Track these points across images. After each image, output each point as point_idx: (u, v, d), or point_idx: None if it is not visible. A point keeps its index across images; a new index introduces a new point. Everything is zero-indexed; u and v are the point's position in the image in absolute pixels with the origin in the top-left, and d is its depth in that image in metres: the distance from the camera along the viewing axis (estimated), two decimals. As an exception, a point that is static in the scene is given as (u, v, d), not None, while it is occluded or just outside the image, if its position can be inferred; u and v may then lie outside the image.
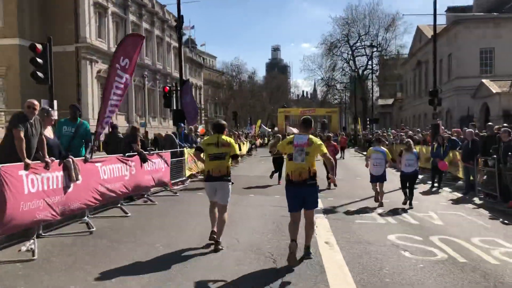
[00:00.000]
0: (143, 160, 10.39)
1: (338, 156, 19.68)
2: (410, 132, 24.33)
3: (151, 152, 11.70)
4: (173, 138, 14.78)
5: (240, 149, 25.22)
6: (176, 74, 64.05)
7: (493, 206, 11.03)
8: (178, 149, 14.55)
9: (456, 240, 7.49)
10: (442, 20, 51.46)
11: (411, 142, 11.90)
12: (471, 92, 35.73)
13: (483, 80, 31.96)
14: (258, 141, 44.77)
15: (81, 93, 42.11)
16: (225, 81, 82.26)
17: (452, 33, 38.36)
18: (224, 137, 6.99)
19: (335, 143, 16.97)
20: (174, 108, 20.71)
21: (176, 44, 65.73)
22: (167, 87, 20.41)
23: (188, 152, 15.23)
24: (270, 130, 63.99)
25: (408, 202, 11.02)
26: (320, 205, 10.39)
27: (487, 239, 7.66)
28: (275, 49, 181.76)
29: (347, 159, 27.53)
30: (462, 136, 16.54)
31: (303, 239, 6.51)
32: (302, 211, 6.37)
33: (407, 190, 11.09)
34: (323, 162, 8.71)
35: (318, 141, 6.31)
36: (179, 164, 14.29)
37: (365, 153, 17.20)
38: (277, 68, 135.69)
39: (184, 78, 49.84)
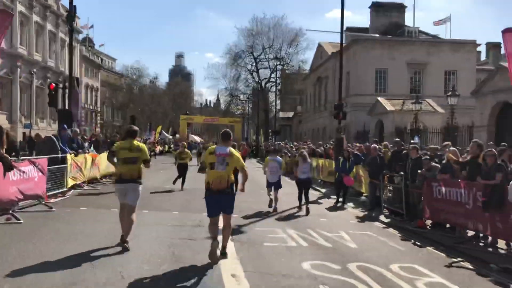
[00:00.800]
0: (7, 168, 8.25)
1: None
2: (311, 145, 24.10)
3: (21, 158, 9.55)
4: (53, 142, 12.54)
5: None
6: (70, 73, 59.46)
7: (401, 225, 10.57)
8: (60, 155, 12.37)
9: (376, 268, 6.63)
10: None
11: (306, 154, 13.04)
12: (367, 109, 37.02)
13: (379, 98, 33.24)
14: (158, 148, 42.43)
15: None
16: (125, 84, 78.12)
17: (351, 51, 39.68)
18: (136, 142, 7.35)
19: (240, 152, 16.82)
20: (61, 107, 18.19)
21: (73, 42, 61.38)
22: (53, 84, 17.80)
23: (72, 158, 13.10)
24: (171, 137, 61.70)
25: (305, 207, 11.91)
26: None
27: (406, 265, 6.91)
28: (179, 56, 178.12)
29: (250, 171, 26.55)
30: (365, 151, 16.39)
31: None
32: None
33: (303, 196, 12.20)
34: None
35: (237, 153, 7.00)
36: (60, 172, 12.12)
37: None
38: (181, 75, 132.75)
39: (76, 76, 45.46)
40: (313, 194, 16.60)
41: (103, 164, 16.58)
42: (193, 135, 69.11)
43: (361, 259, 7.21)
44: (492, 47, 48.57)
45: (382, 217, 11.71)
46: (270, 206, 12.16)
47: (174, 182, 16.03)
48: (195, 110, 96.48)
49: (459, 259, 7.48)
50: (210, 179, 6.67)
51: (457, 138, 22.44)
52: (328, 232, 9.26)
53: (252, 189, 16.16)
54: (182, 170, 16.11)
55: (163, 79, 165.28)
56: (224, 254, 6.80)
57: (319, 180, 20.32)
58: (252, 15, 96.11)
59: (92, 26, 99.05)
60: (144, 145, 7.92)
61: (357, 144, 18.06)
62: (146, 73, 79.74)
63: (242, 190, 7.19)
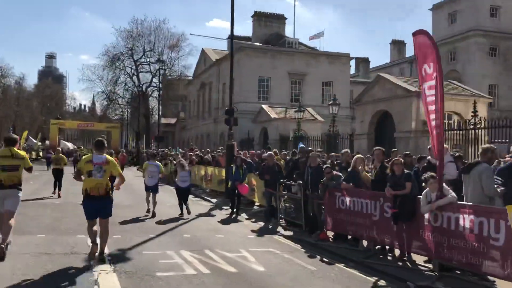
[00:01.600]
0: None
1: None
2: (198, 152, 22.85)
3: None
4: None
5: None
6: None
7: (301, 238, 9.82)
8: None
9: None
10: (223, 47, 53.28)
11: (184, 162, 13.53)
12: (251, 117, 36.88)
13: (263, 106, 33.22)
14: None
15: None
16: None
17: (235, 59, 39.15)
18: (16, 150, 7.44)
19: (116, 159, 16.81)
20: None
21: None
22: None
23: None
24: (40, 143, 55.58)
25: (185, 210, 12.42)
26: (105, 249, 7.49)
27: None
28: (50, 57, 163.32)
29: (132, 180, 24.25)
30: (256, 159, 15.63)
31: None
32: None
33: (182, 202, 12.53)
34: None
35: (113, 161, 7.41)
36: None
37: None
38: (52, 78, 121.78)
39: None
40: (203, 206, 15.41)
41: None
42: (65, 142, 63.38)
43: (273, 286, 6.16)
44: (362, 61, 52.19)
45: (280, 230, 10.91)
46: (148, 212, 12.38)
47: (54, 192, 15.82)
48: (68, 115, 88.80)
49: (375, 278, 6.83)
50: (88, 186, 7.03)
51: (338, 145, 22.96)
52: (228, 252, 8.10)
53: (135, 201, 14.51)
54: (58, 175, 15.91)
55: (32, 80, 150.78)
56: (102, 260, 7.03)
57: (207, 190, 19.15)
58: (132, 16, 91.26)
59: None
60: (25, 152, 8.13)
61: (250, 152, 17.22)
62: (11, 73, 71.11)
63: (118, 188, 7.72)
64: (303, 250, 8.83)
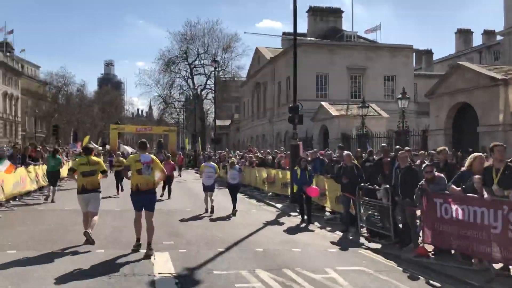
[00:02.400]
0: None
1: (176, 174, 21.92)
2: (259, 153, 21.64)
3: None
4: None
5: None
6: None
7: (393, 252, 8.32)
8: None
9: None
10: (277, 44, 52.05)
11: (234, 161, 14.58)
12: (309, 115, 35.31)
13: (323, 103, 31.60)
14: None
15: None
16: (49, 92, 71.61)
17: (291, 56, 37.84)
18: (92, 157, 8.53)
19: (173, 162, 18.85)
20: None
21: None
22: None
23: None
24: (101, 148, 56.75)
25: (233, 209, 12.79)
26: (171, 269, 6.44)
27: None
28: (108, 64, 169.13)
29: (191, 184, 23.56)
30: (325, 160, 14.17)
31: None
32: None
33: (233, 198, 13.04)
34: None
35: (156, 159, 8.23)
36: None
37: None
38: (111, 84, 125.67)
39: None
40: (268, 211, 14.17)
41: (10, 183, 13.09)
42: (125, 146, 64.49)
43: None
44: (424, 53, 49.19)
45: (363, 241, 9.45)
46: (206, 210, 12.87)
47: (117, 193, 16.65)
48: (126, 120, 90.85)
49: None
50: (138, 182, 7.74)
51: (408, 143, 21.03)
52: (313, 272, 6.76)
53: (195, 206, 13.55)
54: (119, 178, 16.51)
55: (92, 87, 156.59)
56: (148, 256, 7.38)
57: (270, 194, 17.91)
58: (186, 19, 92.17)
59: (12, 32, 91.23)
60: (99, 159, 9.04)
61: (319, 152, 15.73)
62: (73, 81, 73.68)
63: (157, 185, 8.22)
64: (400, 268, 7.34)
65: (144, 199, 7.80)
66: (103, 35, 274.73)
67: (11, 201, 13.46)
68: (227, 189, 13.89)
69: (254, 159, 20.16)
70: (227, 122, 66.41)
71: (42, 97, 70.83)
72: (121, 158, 17.50)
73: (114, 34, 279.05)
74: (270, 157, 19.64)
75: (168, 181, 15.81)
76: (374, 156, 11.75)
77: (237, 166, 13.87)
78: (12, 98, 62.19)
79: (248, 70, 52.98)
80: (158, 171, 8.02)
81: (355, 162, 11.09)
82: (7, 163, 11.95)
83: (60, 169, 15.59)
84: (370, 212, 9.99)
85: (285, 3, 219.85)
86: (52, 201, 14.30)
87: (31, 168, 15.37)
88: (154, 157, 8.25)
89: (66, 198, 15.62)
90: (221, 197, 15.03)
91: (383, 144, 11.11)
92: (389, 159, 9.77)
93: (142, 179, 7.73)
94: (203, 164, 14.21)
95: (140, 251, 7.72)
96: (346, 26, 44.90)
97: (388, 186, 9.19)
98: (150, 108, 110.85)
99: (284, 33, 49.53)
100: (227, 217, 12.24)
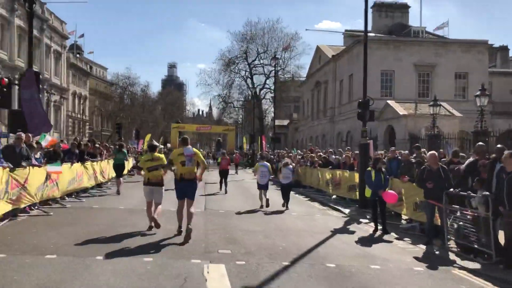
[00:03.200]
0: None
1: (233, 171, 24.76)
2: (321, 153, 20.14)
3: None
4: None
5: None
6: (56, 81, 55.11)
7: (497, 276, 6.67)
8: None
9: None
10: (339, 42, 50.02)
11: (288, 160, 14.91)
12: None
13: (389, 101, 29.51)
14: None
15: None
16: (115, 92, 73.77)
17: (354, 53, 36.03)
18: (156, 154, 9.20)
19: (228, 159, 19.72)
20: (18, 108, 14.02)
21: (58, 48, 57.14)
22: (5, 79, 13.68)
23: (8, 173, 9.06)
24: (162, 146, 57.43)
25: (286, 205, 13.25)
26: (227, 286, 5.29)
27: None
28: (172, 66, 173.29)
29: (248, 184, 22.51)
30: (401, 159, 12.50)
31: None
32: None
33: (284, 196, 13.48)
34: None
35: (198, 152, 8.92)
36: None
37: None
38: (173, 85, 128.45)
39: (64, 83, 40.68)
40: (334, 217, 12.70)
41: (65, 179, 12.57)
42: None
43: None
44: (499, 50, 45.29)
45: (453, 257, 7.83)
46: (261, 207, 13.08)
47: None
48: (187, 120, 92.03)
49: None
50: (182, 172, 8.51)
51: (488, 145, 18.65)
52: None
53: (253, 205, 12.38)
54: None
55: (156, 89, 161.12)
56: (188, 236, 8.07)
57: (334, 196, 16.38)
58: (246, 19, 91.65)
59: (82, 35, 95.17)
60: (162, 155, 9.57)
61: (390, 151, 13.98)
62: (137, 82, 75.55)
63: (200, 179, 8.87)
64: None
65: (187, 186, 8.50)
66: (167, 39, 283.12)
67: (66, 198, 12.95)
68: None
69: (316, 159, 18.70)
70: (285, 122, 65.10)
71: (109, 97, 73.07)
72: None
73: (177, 37, 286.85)
74: (334, 156, 18.11)
75: (224, 175, 17.78)
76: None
77: (290, 166, 14.05)
78: (81, 97, 64.48)
79: (308, 69, 51.39)
80: (199, 162, 8.77)
81: (441, 164, 9.42)
82: (58, 167, 11.35)
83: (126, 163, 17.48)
84: (461, 223, 8.31)
85: (344, 3, 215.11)
86: (118, 193, 15.10)
87: (88, 164, 14.87)
88: (196, 150, 8.97)
89: (123, 195, 15.02)
90: (276, 197, 14.46)
91: (480, 143, 9.27)
92: (487, 161, 8.03)
93: (186, 169, 8.50)
94: (257, 163, 14.85)
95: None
96: (412, 22, 42.19)
97: (487, 193, 7.52)
98: (210, 108, 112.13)
99: (346, 31, 47.52)
100: (288, 221, 10.98)
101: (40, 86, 14.09)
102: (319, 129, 44.92)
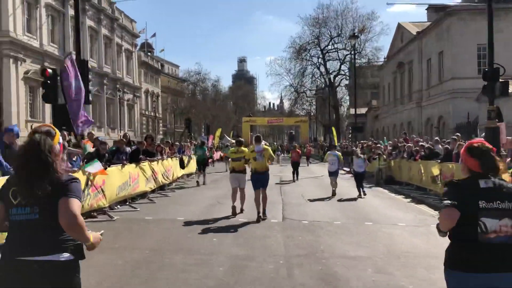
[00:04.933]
0: None
1: (305, 164, 28.17)
2: (424, 143, 16.45)
3: None
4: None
5: (182, 166, 17.31)
6: (128, 80, 55.30)
7: None
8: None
9: None
10: (423, 18, 44.92)
11: (358, 151, 15.92)
12: (468, 95, 28.74)
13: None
14: (218, 154, 36.09)
15: (3, 97, 32.85)
16: (187, 89, 73.52)
17: (444, 26, 31.34)
18: (241, 147, 10.50)
19: (298, 150, 21.40)
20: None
21: (129, 47, 57.32)
22: (49, 70, 11.84)
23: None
24: (233, 141, 55.79)
25: (362, 193, 13.52)
26: None
27: None
28: (241, 61, 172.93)
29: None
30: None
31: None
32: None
33: (359, 185, 13.71)
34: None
35: (268, 148, 10.31)
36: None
37: (347, 169, 20.54)
38: (244, 80, 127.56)
39: (136, 82, 39.52)
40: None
41: (114, 184, 10.38)
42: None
43: None
44: None
45: None
46: (333, 194, 13.61)
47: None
48: (258, 114, 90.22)
49: None
50: (255, 166, 9.96)
51: None
52: None
53: (345, 216, 9.41)
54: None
55: (226, 84, 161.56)
56: (264, 218, 9.59)
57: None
58: (317, 2, 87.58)
59: (154, 35, 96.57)
60: (246, 149, 10.65)
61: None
62: (208, 77, 74.81)
63: (267, 165, 10.17)
64: None
65: (260, 177, 9.82)
66: (235, 33, 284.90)
67: (118, 206, 10.79)
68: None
69: (417, 148, 15.19)
70: (363, 110, 60.62)
71: (180, 93, 72.94)
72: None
73: (245, 31, 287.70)
74: (440, 146, 14.49)
75: (295, 166, 19.57)
76: None
77: (361, 156, 14.70)
78: (153, 95, 64.63)
79: (388, 50, 46.77)
80: (267, 156, 9.94)
81: None
82: (98, 165, 9.07)
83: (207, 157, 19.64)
84: None
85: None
86: (204, 183, 17.14)
87: (145, 164, 12.67)
88: (265, 146, 10.24)
89: (184, 200, 12.71)
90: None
91: None
92: None
93: (258, 164, 9.82)
94: (328, 152, 16.19)
95: None
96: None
97: None
98: (281, 100, 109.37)
99: (430, 6, 42.36)
100: (399, 238, 7.83)
101: (90, 76, 11.98)
102: (404, 115, 40.44)
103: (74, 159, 8.74)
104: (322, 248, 7.11)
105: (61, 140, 2.70)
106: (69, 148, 8.90)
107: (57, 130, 2.70)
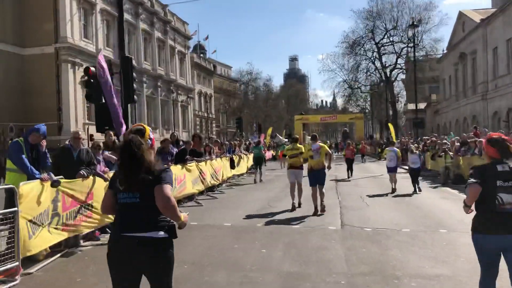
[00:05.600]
0: None
1: (360, 162, 27.65)
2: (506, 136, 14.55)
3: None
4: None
5: (233, 166, 16.58)
6: (181, 81, 55.69)
7: None
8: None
9: None
10: (487, 5, 41.62)
11: (412, 147, 14.90)
12: (543, 85, 26.01)
13: None
14: (270, 154, 35.09)
15: (62, 101, 33.76)
16: (239, 89, 73.22)
17: (510, 12, 28.51)
18: (297, 144, 10.79)
19: (353, 147, 21.71)
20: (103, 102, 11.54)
21: (182, 49, 57.72)
22: (92, 68, 11.34)
23: (54, 189, 6.16)
24: (286, 140, 54.67)
25: (417, 189, 13.47)
26: None
27: None
28: (293, 59, 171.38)
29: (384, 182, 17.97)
30: None
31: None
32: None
33: (414, 181, 13.59)
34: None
35: (324, 145, 10.63)
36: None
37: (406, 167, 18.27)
38: (296, 78, 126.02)
39: (190, 83, 39.92)
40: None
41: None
42: (309, 137, 61.39)
43: None
44: None
45: None
46: (393, 191, 13.41)
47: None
48: (311, 112, 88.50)
49: None
50: (312, 164, 10.12)
51: None
52: None
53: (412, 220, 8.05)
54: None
55: (278, 83, 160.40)
56: (323, 211, 9.84)
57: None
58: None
59: (207, 37, 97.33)
60: (302, 146, 10.92)
61: None
62: (260, 77, 74.06)
63: (329, 167, 10.47)
64: None
65: (317, 175, 10.02)
66: (286, 32, 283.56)
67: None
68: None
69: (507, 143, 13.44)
70: (422, 106, 57.45)
71: (233, 93, 72.79)
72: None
73: (296, 30, 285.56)
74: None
75: (349, 163, 19.74)
76: None
77: (416, 152, 14.43)
78: (206, 96, 64.82)
79: (448, 41, 43.70)
80: (325, 152, 10.31)
81: None
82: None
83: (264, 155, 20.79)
84: None
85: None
86: (261, 181, 17.41)
87: (192, 165, 11.90)
88: (322, 144, 10.55)
89: (235, 202, 11.83)
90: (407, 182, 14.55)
91: None
92: None
93: (314, 161, 10.11)
94: (387, 148, 16.23)
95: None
96: None
97: None
98: (334, 98, 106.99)
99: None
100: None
101: (134, 74, 11.38)
102: (468, 109, 37.56)
103: (113, 162, 8.02)
104: (393, 263, 5.90)
105: (151, 135, 3.23)
106: (106, 153, 8.19)
107: (147, 127, 3.25)
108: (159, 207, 2.87)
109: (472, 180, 3.59)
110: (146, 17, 47.11)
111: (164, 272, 2.95)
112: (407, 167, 21.06)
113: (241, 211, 10.42)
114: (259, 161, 18.23)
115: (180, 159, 11.19)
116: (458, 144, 17.02)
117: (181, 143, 13.61)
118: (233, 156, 17.80)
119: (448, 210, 10.20)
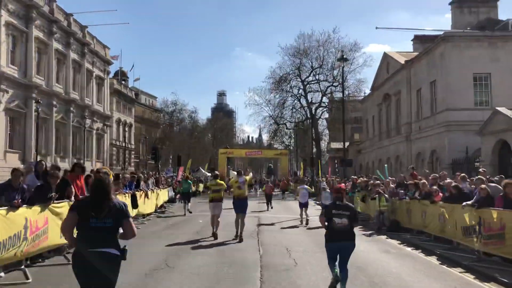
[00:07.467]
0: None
1: (281, 197, 31.25)
2: (449, 180, 12.69)
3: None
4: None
5: (135, 205, 13.22)
6: (98, 107, 50.94)
7: None
8: None
9: None
10: (408, 48, 42.53)
11: (325, 184, 19.36)
12: (465, 128, 25.70)
13: (499, 108, 21.61)
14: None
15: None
16: (162, 119, 69.18)
17: (438, 53, 28.49)
18: (218, 180, 12.60)
19: (272, 186, 26.27)
20: None
21: (101, 73, 53.16)
22: None
23: None
24: (209, 174, 51.51)
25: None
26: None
27: None
28: (221, 94, 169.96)
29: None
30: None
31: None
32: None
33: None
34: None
35: (247, 177, 12.88)
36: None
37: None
38: (223, 113, 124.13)
39: (107, 110, 36.14)
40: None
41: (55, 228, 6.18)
42: (234, 172, 58.77)
43: None
44: None
45: None
46: (301, 223, 15.47)
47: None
48: (237, 146, 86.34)
49: None
50: (237, 193, 12.15)
51: None
52: None
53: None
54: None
55: (205, 116, 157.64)
56: (241, 240, 11.42)
57: (479, 255, 9.03)
58: (299, 31, 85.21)
59: (133, 67, 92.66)
60: (222, 181, 12.99)
61: None
62: (185, 108, 70.62)
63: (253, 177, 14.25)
64: None
65: (241, 204, 12.04)
66: (215, 68, 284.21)
67: (1, 275, 6.61)
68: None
69: (436, 188, 11.45)
70: (345, 145, 57.44)
71: (155, 124, 68.73)
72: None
73: (225, 66, 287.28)
74: (467, 185, 10.79)
75: (268, 198, 22.54)
76: None
77: (328, 190, 16.20)
78: (126, 125, 60.28)
79: (372, 82, 43.92)
80: (249, 183, 13.00)
81: None
82: None
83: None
84: None
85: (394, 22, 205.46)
86: (189, 212, 18.99)
87: (60, 206, 8.54)
88: (246, 177, 12.78)
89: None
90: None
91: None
92: None
93: (240, 192, 12.10)
94: (298, 187, 18.54)
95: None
96: (502, 16, 34.16)
97: None
98: (260, 134, 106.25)
99: (416, 37, 40.07)
100: None
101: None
102: (391, 150, 37.16)
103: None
104: None
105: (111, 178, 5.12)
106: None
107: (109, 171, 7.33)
108: (130, 236, 4.14)
109: None
110: (61, 37, 42.61)
111: (115, 277, 4.07)
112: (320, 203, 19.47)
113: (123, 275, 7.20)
114: (187, 196, 19.87)
115: (41, 196, 7.81)
116: (393, 186, 15.12)
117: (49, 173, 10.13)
118: (136, 192, 14.44)
119: (399, 273, 7.80)
